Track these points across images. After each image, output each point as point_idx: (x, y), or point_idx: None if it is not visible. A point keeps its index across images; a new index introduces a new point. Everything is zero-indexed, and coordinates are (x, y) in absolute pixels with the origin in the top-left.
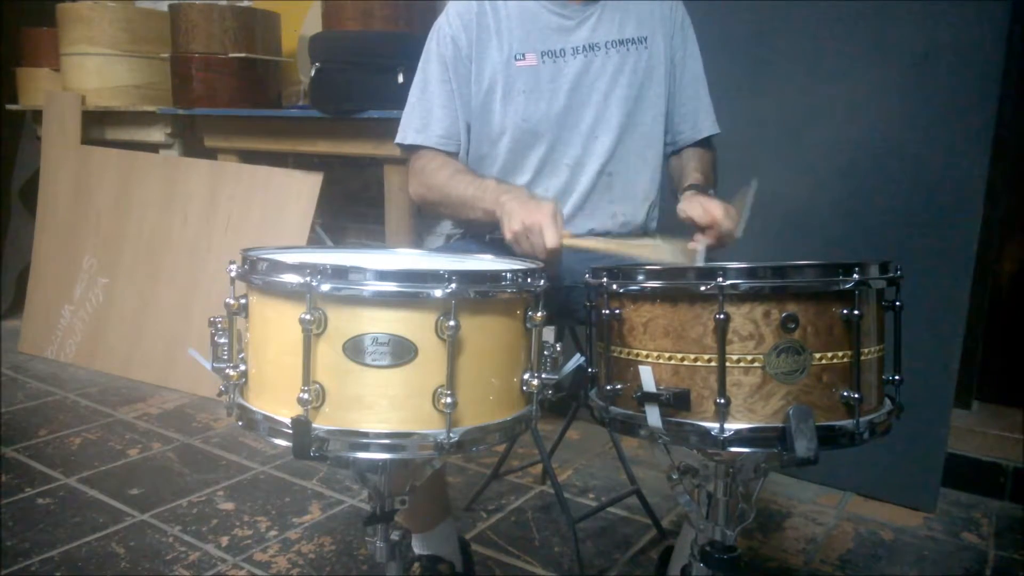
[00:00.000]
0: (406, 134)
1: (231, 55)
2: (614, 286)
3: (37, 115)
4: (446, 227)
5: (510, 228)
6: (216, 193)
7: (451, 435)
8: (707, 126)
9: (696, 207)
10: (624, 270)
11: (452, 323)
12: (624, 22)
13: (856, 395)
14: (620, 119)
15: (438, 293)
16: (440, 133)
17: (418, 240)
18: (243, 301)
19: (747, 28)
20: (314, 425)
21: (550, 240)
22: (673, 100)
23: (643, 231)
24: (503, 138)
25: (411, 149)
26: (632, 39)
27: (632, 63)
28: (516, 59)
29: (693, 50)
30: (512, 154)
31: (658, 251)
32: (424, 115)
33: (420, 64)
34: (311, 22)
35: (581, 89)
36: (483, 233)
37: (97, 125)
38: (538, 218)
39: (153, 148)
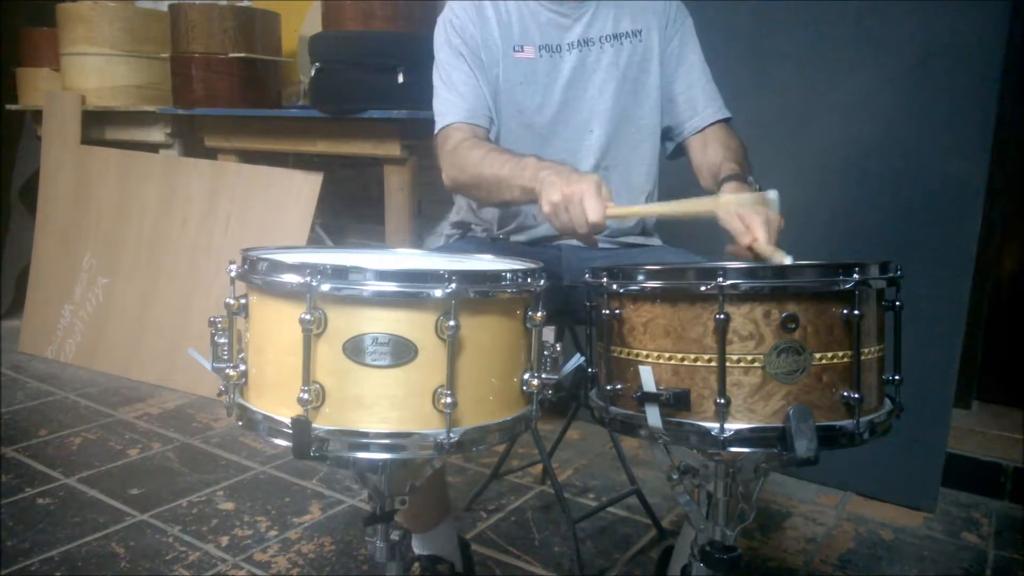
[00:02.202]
0: (437, 124)
1: (231, 55)
2: (614, 286)
3: (37, 115)
4: (446, 227)
5: (548, 199)
6: (216, 193)
7: (451, 435)
8: (712, 112)
9: (737, 222)
10: (624, 270)
11: (452, 323)
12: (619, 17)
13: (856, 395)
14: (615, 112)
15: (438, 293)
16: (466, 107)
17: (418, 240)
18: (243, 301)
19: (747, 28)
20: (314, 425)
21: (592, 212)
22: (671, 89)
23: (642, 225)
24: (500, 128)
25: (441, 132)
26: (626, 33)
27: (626, 56)
28: (515, 50)
29: (690, 40)
30: (508, 146)
31: (724, 206)
32: (448, 96)
33: (435, 61)
34: (311, 22)
35: (576, 84)
36: (477, 231)
37: (97, 125)
38: (580, 188)
39: (153, 148)
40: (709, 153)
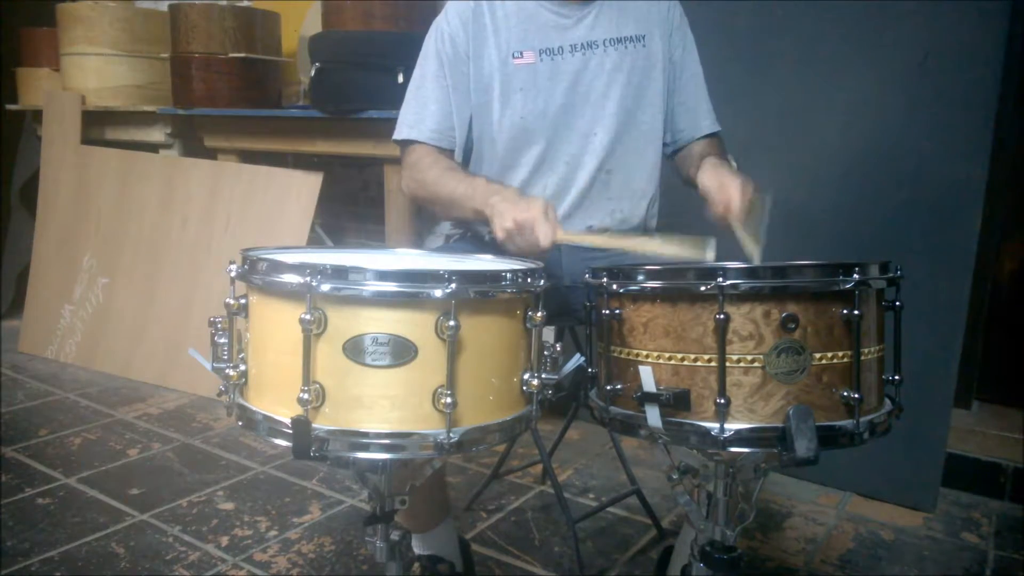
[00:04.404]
0: (400, 129)
1: (231, 55)
2: (614, 286)
3: (37, 115)
4: (446, 227)
5: (502, 227)
6: (216, 193)
7: (451, 435)
8: (707, 124)
9: (714, 180)
10: (624, 270)
11: (452, 323)
12: (622, 21)
13: (856, 395)
14: (618, 116)
15: (438, 293)
16: (432, 127)
17: (418, 240)
18: (243, 301)
19: (747, 28)
20: (314, 425)
21: (543, 236)
22: (672, 99)
23: (643, 229)
24: (501, 136)
25: (405, 144)
26: (630, 37)
27: (630, 61)
28: (514, 57)
29: (691, 49)
30: (509, 151)
31: (663, 247)
32: (418, 110)
33: (418, 62)
34: (311, 22)
35: (579, 87)
36: (480, 232)
37: (97, 125)
38: (529, 215)
39: (153, 148)
40: (692, 149)
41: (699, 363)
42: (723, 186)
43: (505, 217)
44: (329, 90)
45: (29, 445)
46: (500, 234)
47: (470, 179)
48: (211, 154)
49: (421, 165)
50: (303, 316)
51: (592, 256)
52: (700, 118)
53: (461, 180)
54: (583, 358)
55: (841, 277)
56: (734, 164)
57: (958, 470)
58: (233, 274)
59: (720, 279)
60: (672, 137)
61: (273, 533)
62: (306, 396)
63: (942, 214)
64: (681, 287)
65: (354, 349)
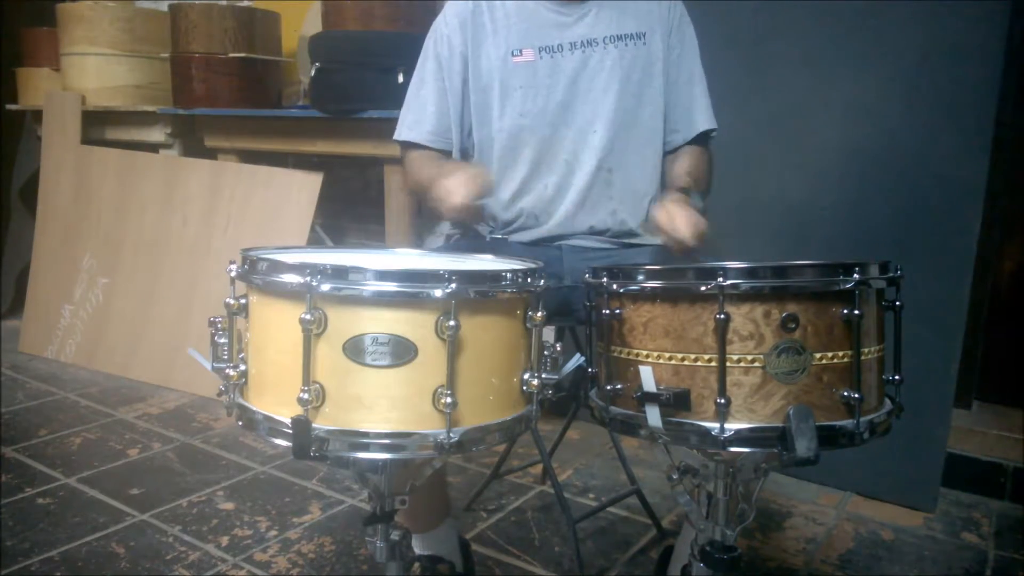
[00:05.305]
0: (400, 131)
1: (231, 55)
2: (614, 286)
3: (37, 115)
4: (446, 227)
5: (435, 196)
6: (216, 193)
7: (451, 435)
8: (703, 121)
9: (663, 213)
10: (624, 270)
11: (452, 323)
12: (622, 18)
13: (856, 395)
14: (618, 114)
15: (438, 293)
16: (430, 130)
17: (418, 240)
18: (243, 301)
19: (748, 28)
20: (314, 425)
21: (456, 194)
22: (670, 97)
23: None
24: (501, 134)
25: (406, 145)
26: (630, 35)
27: (630, 58)
28: (513, 55)
29: (691, 48)
30: (510, 150)
31: None
32: (417, 112)
33: (418, 63)
34: (311, 22)
35: (579, 84)
36: (481, 232)
37: (97, 125)
38: (452, 181)
39: (153, 148)
40: (676, 159)
41: (699, 363)
42: (671, 216)
43: (439, 187)
44: (329, 90)
45: (29, 445)
46: (439, 206)
47: (443, 165)
48: (211, 154)
49: (415, 166)
50: (303, 316)
51: (593, 256)
52: (696, 117)
53: (438, 167)
54: (583, 358)
55: (841, 277)
56: (700, 204)
57: (958, 470)
58: (233, 274)
59: (720, 279)
60: (669, 136)
61: (273, 533)
62: (306, 396)
63: (942, 214)
64: (681, 287)
65: (354, 349)
